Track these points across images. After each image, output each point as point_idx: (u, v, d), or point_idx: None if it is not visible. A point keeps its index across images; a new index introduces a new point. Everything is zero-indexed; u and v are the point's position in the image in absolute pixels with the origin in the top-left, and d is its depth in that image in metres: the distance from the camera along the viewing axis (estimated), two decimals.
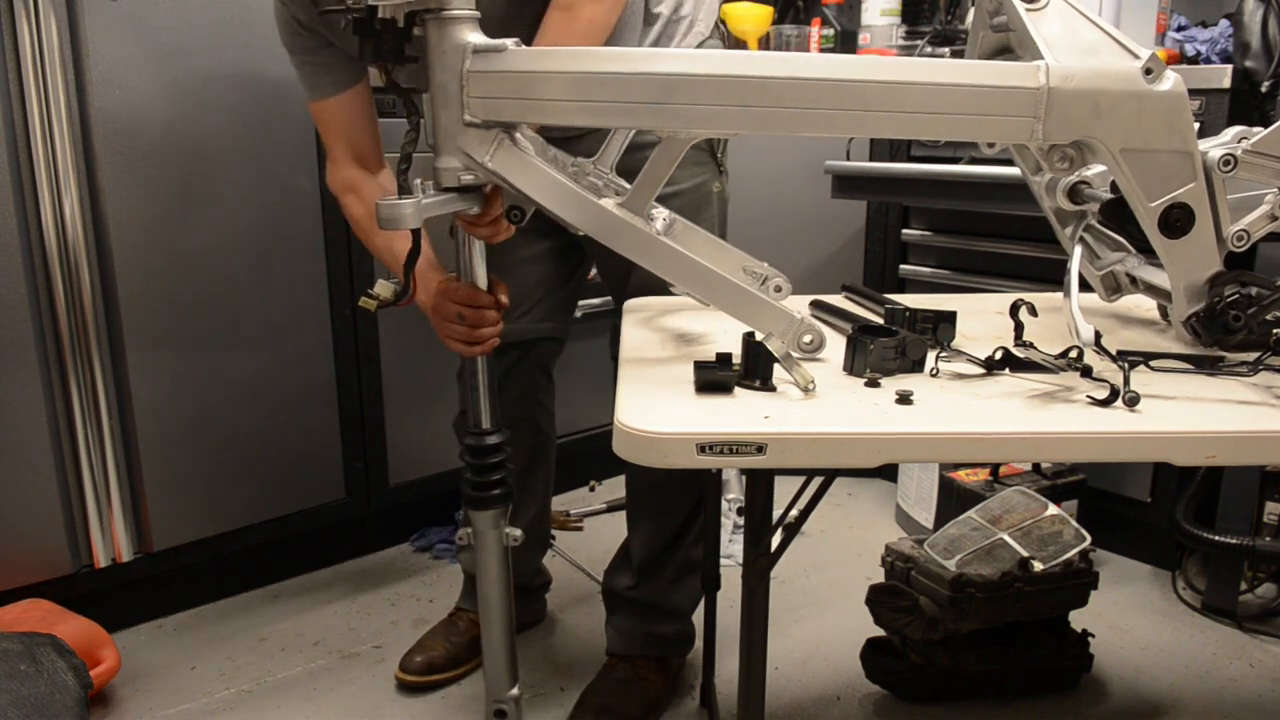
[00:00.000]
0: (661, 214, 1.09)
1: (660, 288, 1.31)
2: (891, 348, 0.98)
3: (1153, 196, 1.00)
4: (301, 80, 1.44)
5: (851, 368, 0.99)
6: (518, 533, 1.35)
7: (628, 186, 1.07)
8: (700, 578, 1.60)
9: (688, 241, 1.05)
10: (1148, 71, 0.96)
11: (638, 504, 1.65)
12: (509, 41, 0.98)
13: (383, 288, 1.20)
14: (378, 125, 1.49)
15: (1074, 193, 1.12)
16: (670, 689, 1.66)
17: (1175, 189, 1.00)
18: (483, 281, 1.25)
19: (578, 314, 2.28)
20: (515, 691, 1.41)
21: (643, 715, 1.59)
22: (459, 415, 1.70)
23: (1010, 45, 1.09)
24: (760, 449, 0.82)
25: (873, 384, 0.95)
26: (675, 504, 1.60)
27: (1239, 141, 1.04)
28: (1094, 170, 1.11)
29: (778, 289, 1.10)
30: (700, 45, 1.51)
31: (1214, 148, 1.03)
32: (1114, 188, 1.05)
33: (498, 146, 1.01)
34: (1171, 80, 0.96)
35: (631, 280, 1.49)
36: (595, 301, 2.37)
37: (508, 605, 1.37)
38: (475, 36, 0.99)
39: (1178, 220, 1.01)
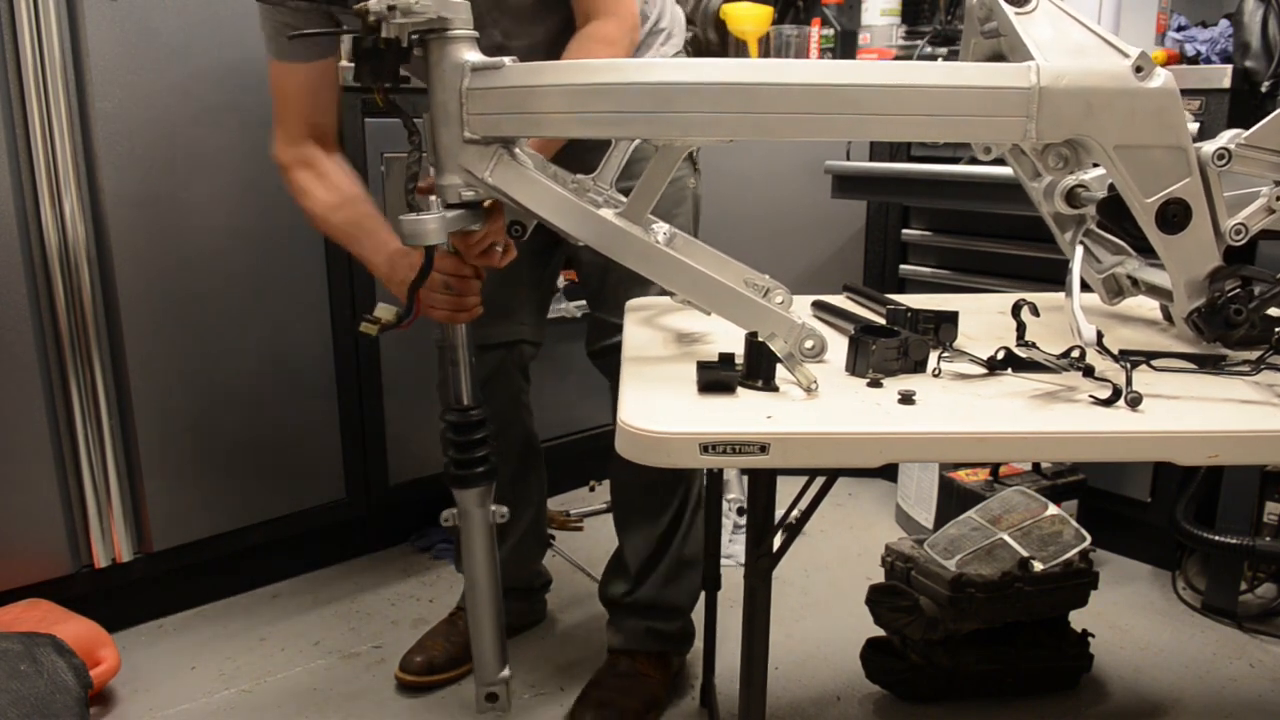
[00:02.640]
0: (662, 228, 1.10)
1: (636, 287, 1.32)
2: (894, 348, 0.98)
3: (1149, 193, 1.00)
4: (273, 38, 1.35)
5: (854, 368, 0.99)
6: (504, 510, 1.35)
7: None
8: (698, 574, 1.61)
9: (689, 254, 1.06)
10: (1138, 69, 0.96)
11: (625, 510, 1.67)
12: (506, 59, 1.00)
13: (383, 310, 1.18)
14: (339, 105, 1.44)
15: (1071, 196, 1.12)
16: (670, 686, 1.66)
17: (1171, 184, 1.00)
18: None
19: (576, 314, 2.30)
20: (505, 673, 1.41)
21: (643, 711, 1.60)
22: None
23: (1002, 50, 1.10)
24: (763, 449, 0.82)
25: (875, 384, 0.95)
26: (662, 506, 1.61)
27: None
28: (1092, 174, 1.12)
29: (780, 301, 1.10)
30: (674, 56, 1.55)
31: (1208, 144, 1.03)
32: (1110, 187, 1.05)
33: (497, 162, 1.03)
34: (1162, 77, 0.97)
35: (608, 280, 1.53)
36: None
37: (494, 586, 1.37)
38: (473, 55, 1.01)
39: (1174, 216, 1.01)
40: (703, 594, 1.60)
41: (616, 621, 1.69)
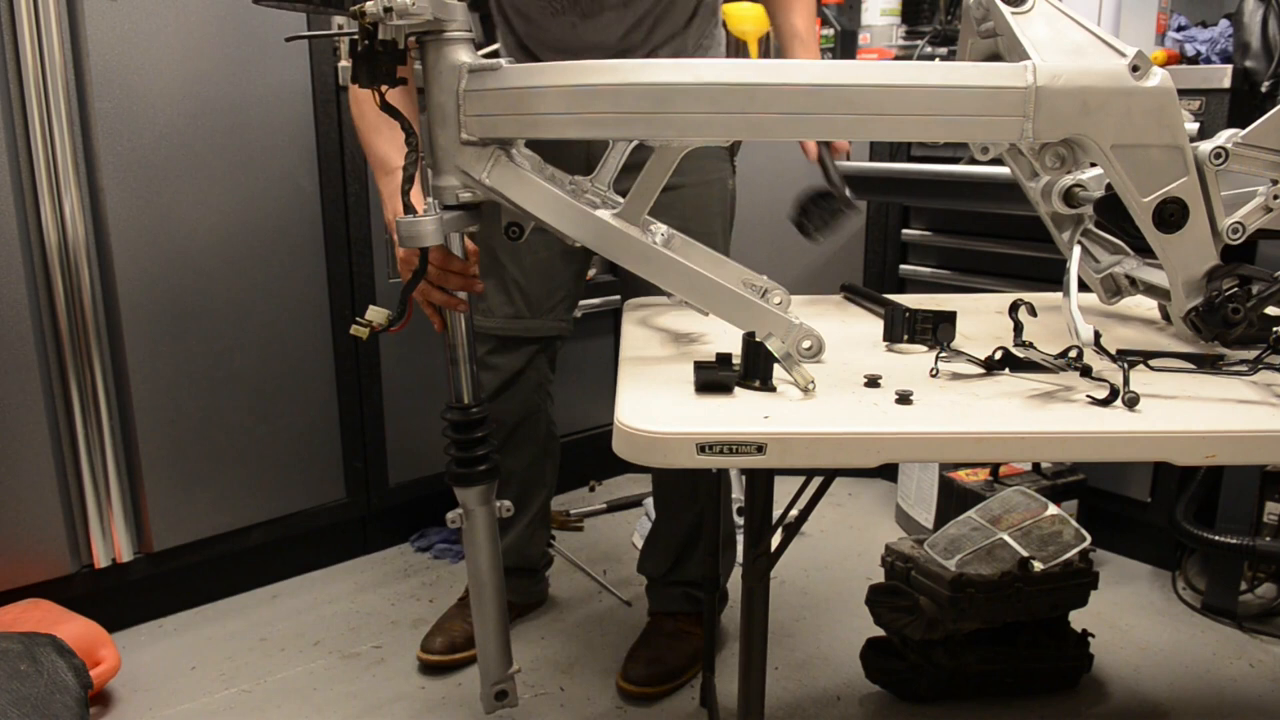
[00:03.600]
0: (660, 229, 1.10)
1: None
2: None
3: (1146, 192, 1.00)
4: None
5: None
6: (508, 504, 1.35)
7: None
8: (733, 551, 1.73)
9: (686, 255, 1.06)
10: (1134, 69, 0.96)
11: (665, 492, 1.77)
12: (502, 60, 1.00)
13: (375, 313, 1.18)
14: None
15: (1069, 196, 1.12)
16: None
17: (1168, 183, 1.00)
18: (456, 248, 1.23)
19: (578, 314, 2.30)
20: (513, 668, 1.41)
21: (688, 664, 1.71)
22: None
23: (999, 50, 1.10)
24: (760, 449, 0.82)
25: (873, 384, 0.95)
26: (699, 489, 1.68)
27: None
28: (1089, 174, 1.12)
29: (778, 302, 1.10)
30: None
31: (1205, 143, 1.03)
32: (1108, 187, 1.05)
33: (494, 163, 1.03)
34: (1159, 76, 0.97)
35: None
36: (595, 301, 2.37)
37: (498, 585, 1.37)
38: (469, 56, 1.01)
39: (1172, 215, 1.01)
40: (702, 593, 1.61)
41: (657, 590, 1.80)
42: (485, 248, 1.52)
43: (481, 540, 1.34)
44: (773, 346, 0.95)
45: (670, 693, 1.67)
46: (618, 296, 2.29)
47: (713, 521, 1.55)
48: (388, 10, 0.96)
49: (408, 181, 1.08)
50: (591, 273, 2.32)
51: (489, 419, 1.31)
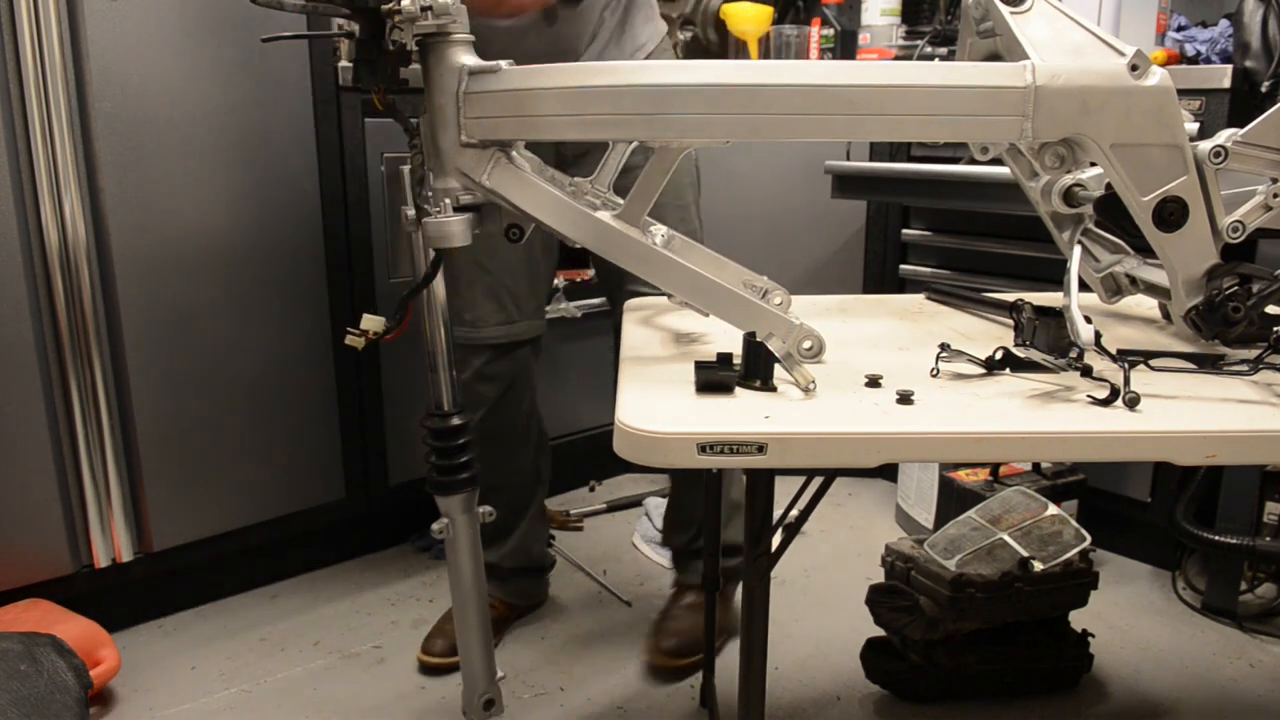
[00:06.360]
0: (660, 230, 1.10)
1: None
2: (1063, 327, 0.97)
3: (1145, 191, 1.00)
4: None
5: (1031, 341, 0.99)
6: (489, 509, 1.33)
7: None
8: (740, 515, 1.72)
9: (686, 256, 1.06)
10: (1134, 68, 0.96)
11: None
12: (503, 62, 1.00)
13: (370, 321, 1.15)
14: None
15: (1069, 195, 1.12)
16: (734, 615, 1.74)
17: (1168, 183, 1.00)
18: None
19: (577, 314, 2.31)
20: (500, 675, 1.40)
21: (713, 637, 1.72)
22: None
23: (998, 50, 1.10)
24: (761, 449, 0.82)
25: (873, 383, 0.95)
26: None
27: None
28: (1089, 173, 1.12)
29: (779, 302, 1.10)
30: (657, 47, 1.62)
31: (1205, 142, 1.03)
32: (1108, 186, 1.05)
33: (494, 165, 1.03)
34: (1158, 75, 0.97)
35: (626, 277, 1.54)
36: (595, 301, 2.37)
37: (481, 594, 1.33)
38: (470, 59, 1.01)
39: (1171, 214, 1.01)
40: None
41: (682, 562, 1.87)
42: (468, 255, 1.51)
43: (464, 548, 1.31)
44: (773, 346, 0.95)
45: (699, 666, 1.67)
46: None
47: (711, 526, 1.55)
48: (425, 9, 0.96)
49: (418, 184, 1.07)
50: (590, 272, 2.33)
51: (470, 425, 1.30)
